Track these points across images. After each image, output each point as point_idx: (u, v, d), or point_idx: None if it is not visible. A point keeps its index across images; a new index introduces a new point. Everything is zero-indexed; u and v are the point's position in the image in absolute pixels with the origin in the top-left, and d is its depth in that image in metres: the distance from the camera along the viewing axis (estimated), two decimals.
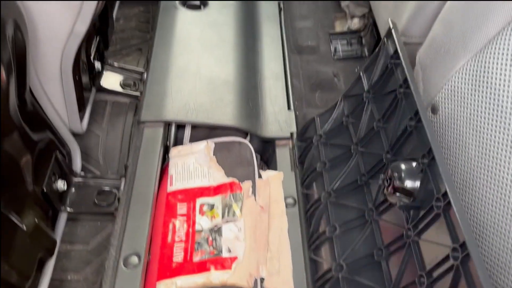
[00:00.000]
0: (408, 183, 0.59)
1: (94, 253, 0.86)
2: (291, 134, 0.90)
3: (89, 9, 0.73)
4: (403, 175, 0.60)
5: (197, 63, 0.94)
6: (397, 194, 0.60)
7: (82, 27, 0.74)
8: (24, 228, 0.67)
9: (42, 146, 0.75)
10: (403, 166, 0.60)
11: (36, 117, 0.74)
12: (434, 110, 0.66)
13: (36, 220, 0.70)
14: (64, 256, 0.85)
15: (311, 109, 0.98)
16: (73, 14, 0.72)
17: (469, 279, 0.47)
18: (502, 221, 0.51)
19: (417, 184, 0.59)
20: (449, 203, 0.52)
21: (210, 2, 1.07)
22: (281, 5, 1.13)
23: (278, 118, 0.93)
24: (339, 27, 1.17)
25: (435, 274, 0.53)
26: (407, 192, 0.59)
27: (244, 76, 0.95)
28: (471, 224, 0.56)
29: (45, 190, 0.74)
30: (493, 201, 0.53)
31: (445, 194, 0.53)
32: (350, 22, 1.15)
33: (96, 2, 0.75)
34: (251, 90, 0.95)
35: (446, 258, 0.51)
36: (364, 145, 0.77)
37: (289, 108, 0.95)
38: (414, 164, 0.60)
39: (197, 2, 1.07)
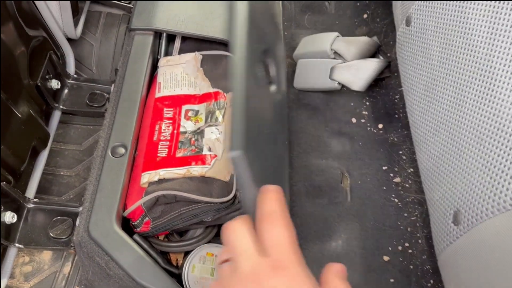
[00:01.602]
0: None
1: (86, 153, 0.93)
2: None
3: None
4: None
5: None
6: None
7: None
8: (19, 115, 0.72)
9: (37, 44, 0.79)
10: None
11: (30, 14, 0.77)
12: (408, 22, 0.69)
13: (30, 110, 0.75)
14: (58, 154, 0.91)
15: (300, 30, 1.01)
16: None
17: None
18: (453, 113, 0.56)
19: None
20: None
21: None
22: None
23: None
24: None
25: None
26: None
27: None
28: (429, 121, 0.61)
29: (39, 85, 0.79)
30: (447, 99, 0.58)
31: None
32: None
33: None
34: None
35: None
36: None
37: None
38: None
39: None
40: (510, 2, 0.51)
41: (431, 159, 0.60)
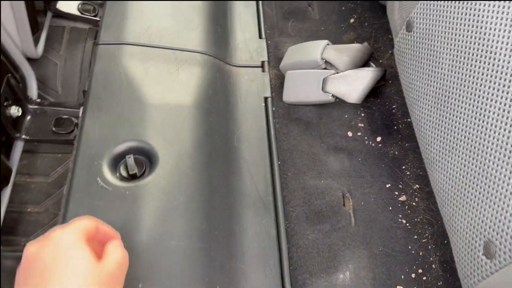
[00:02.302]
0: None
1: (55, 185, 0.83)
2: (262, 63, 0.86)
3: None
4: None
5: None
6: None
7: None
8: None
9: None
10: None
11: None
12: (409, 27, 0.63)
13: None
14: (23, 189, 0.81)
15: (284, 38, 0.94)
16: None
17: None
18: (473, 128, 0.50)
19: None
20: None
21: None
22: None
23: (249, 47, 0.88)
24: None
25: None
26: None
27: (212, 1, 0.89)
28: (443, 138, 0.55)
29: None
30: (464, 113, 0.52)
31: None
32: None
33: None
34: (220, 16, 0.89)
35: None
36: None
37: (260, 36, 0.91)
38: None
39: None
40: None
41: (450, 180, 0.53)
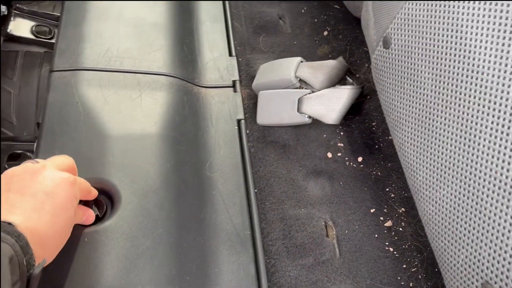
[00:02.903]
0: None
1: None
2: (234, 82, 0.81)
3: None
4: None
5: (120, 3, 0.81)
6: None
7: None
8: None
9: None
10: None
11: None
12: (386, 43, 0.58)
13: None
14: None
15: (256, 54, 0.89)
16: None
17: None
18: (463, 156, 0.46)
19: None
20: None
21: None
22: None
23: (218, 65, 0.83)
24: None
25: None
26: None
27: (177, 19, 0.84)
28: (429, 164, 0.51)
29: None
30: (451, 138, 0.47)
31: None
32: None
33: None
34: (186, 34, 0.84)
35: None
36: None
37: (230, 54, 0.85)
38: None
39: None
40: None
41: (440, 212, 0.49)
